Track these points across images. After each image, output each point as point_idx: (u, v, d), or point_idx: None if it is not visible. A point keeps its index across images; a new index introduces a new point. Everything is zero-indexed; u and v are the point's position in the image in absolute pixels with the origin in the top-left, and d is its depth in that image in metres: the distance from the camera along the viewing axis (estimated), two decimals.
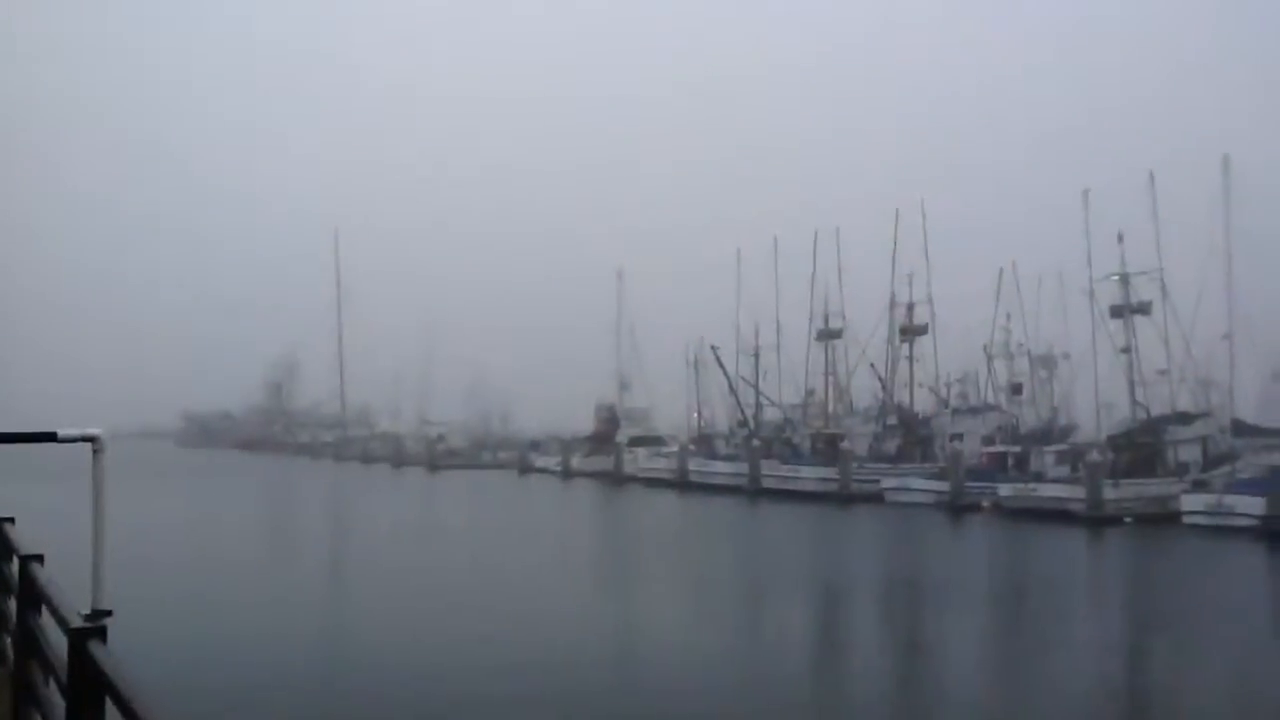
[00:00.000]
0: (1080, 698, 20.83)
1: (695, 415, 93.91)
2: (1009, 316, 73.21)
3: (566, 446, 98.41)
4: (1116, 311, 63.65)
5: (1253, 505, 50.49)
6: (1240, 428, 65.20)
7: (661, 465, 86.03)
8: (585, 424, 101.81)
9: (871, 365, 78.95)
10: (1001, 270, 74.24)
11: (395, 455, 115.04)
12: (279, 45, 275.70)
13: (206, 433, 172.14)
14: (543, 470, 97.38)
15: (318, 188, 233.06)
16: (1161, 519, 53.59)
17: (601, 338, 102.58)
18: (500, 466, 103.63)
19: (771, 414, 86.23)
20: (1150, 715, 20.95)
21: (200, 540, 43.75)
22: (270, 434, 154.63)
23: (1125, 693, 22.36)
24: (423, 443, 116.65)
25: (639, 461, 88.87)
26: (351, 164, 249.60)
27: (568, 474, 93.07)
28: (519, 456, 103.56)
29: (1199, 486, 56.44)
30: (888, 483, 68.24)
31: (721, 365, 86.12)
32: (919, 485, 66.60)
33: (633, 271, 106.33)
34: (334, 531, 56.39)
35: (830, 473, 71.20)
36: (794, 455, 78.17)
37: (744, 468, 76.90)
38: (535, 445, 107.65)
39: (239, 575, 34.91)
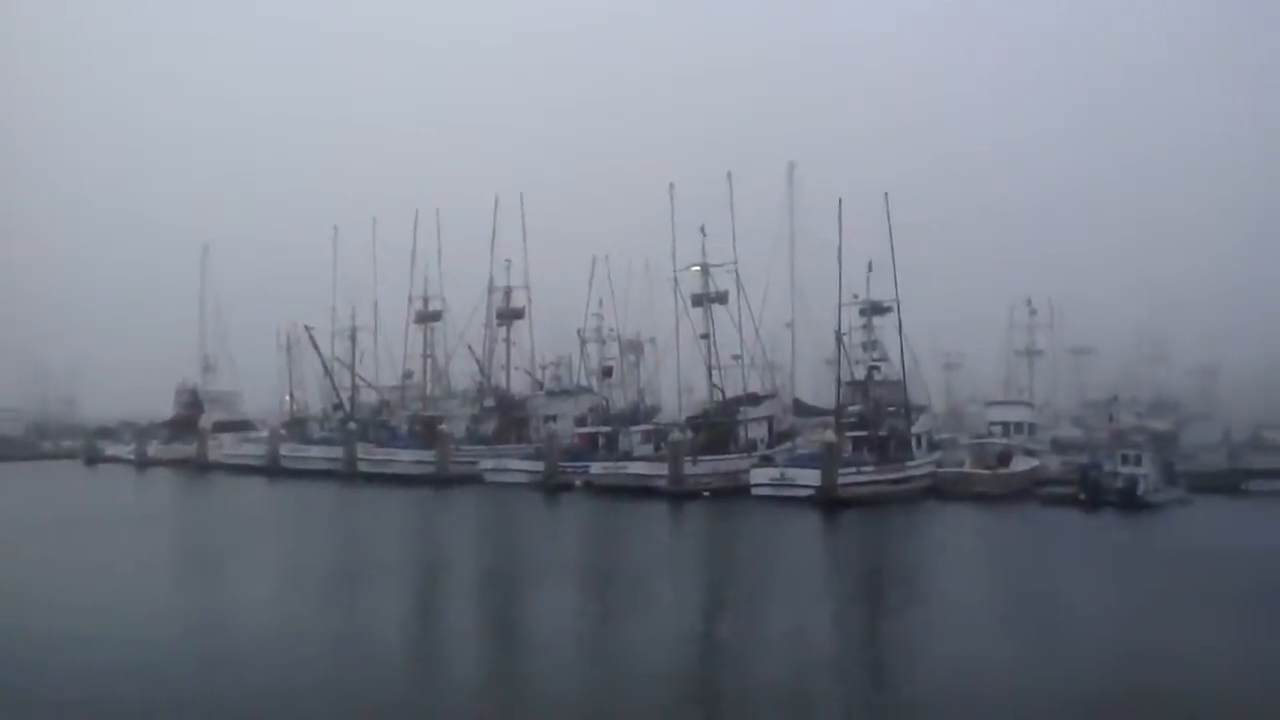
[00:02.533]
0: (661, 647, 22.49)
1: (288, 398, 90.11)
2: (601, 303, 76.47)
3: (142, 433, 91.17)
4: (697, 300, 68.28)
5: (809, 477, 56.40)
6: (800, 407, 72.36)
7: (250, 451, 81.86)
8: (166, 409, 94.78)
9: (470, 348, 79.70)
10: (595, 259, 77.48)
11: None
12: None
13: None
14: (114, 459, 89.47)
15: None
16: (735, 492, 58.44)
17: (185, 316, 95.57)
18: (65, 456, 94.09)
19: (369, 396, 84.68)
20: (723, 657, 22.72)
21: None
22: None
23: (702, 641, 24.21)
24: None
25: (225, 448, 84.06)
26: None
27: (144, 463, 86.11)
28: (85, 445, 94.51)
29: (765, 461, 62.14)
30: (486, 464, 69.32)
31: (316, 346, 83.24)
32: (516, 466, 68.20)
33: (221, 245, 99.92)
34: None
35: (428, 455, 71.15)
36: (391, 438, 77.34)
37: (339, 451, 75.03)
38: (106, 432, 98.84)
39: None
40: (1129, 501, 51.18)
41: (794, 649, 23.32)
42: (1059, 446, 74.76)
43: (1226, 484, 59.27)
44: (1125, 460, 54.15)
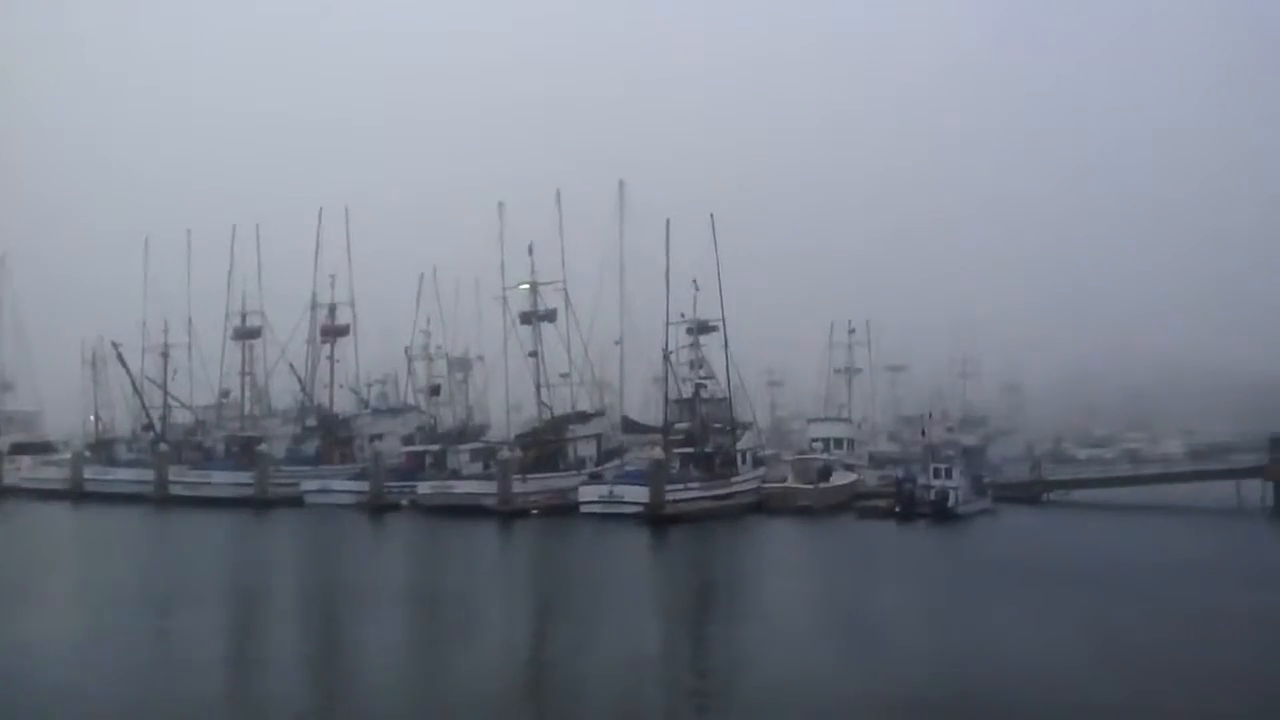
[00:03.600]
0: (486, 670, 22.22)
1: (93, 419, 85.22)
2: (429, 320, 75.32)
3: None
4: (526, 318, 68.03)
5: (637, 494, 56.88)
6: (628, 425, 72.85)
7: (51, 474, 77.02)
8: None
9: (291, 366, 77.05)
10: (423, 275, 76.27)
11: None
12: None
13: None
14: None
15: None
16: (564, 509, 58.40)
17: None
18: None
19: (182, 417, 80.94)
20: (549, 676, 22.57)
21: None
22: None
23: (528, 662, 23.99)
24: None
25: (23, 471, 78.88)
26: None
27: None
28: None
29: (594, 479, 62.36)
30: (308, 485, 67.14)
31: (124, 363, 78.91)
32: (340, 487, 66.33)
33: (19, 255, 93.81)
34: None
35: (246, 477, 68.48)
36: (206, 459, 74.10)
37: (149, 474, 71.44)
38: None
39: None
40: (941, 513, 53.55)
41: (622, 665, 23.35)
42: (876, 461, 77.46)
43: (1029, 494, 62.70)
44: (937, 474, 56.61)
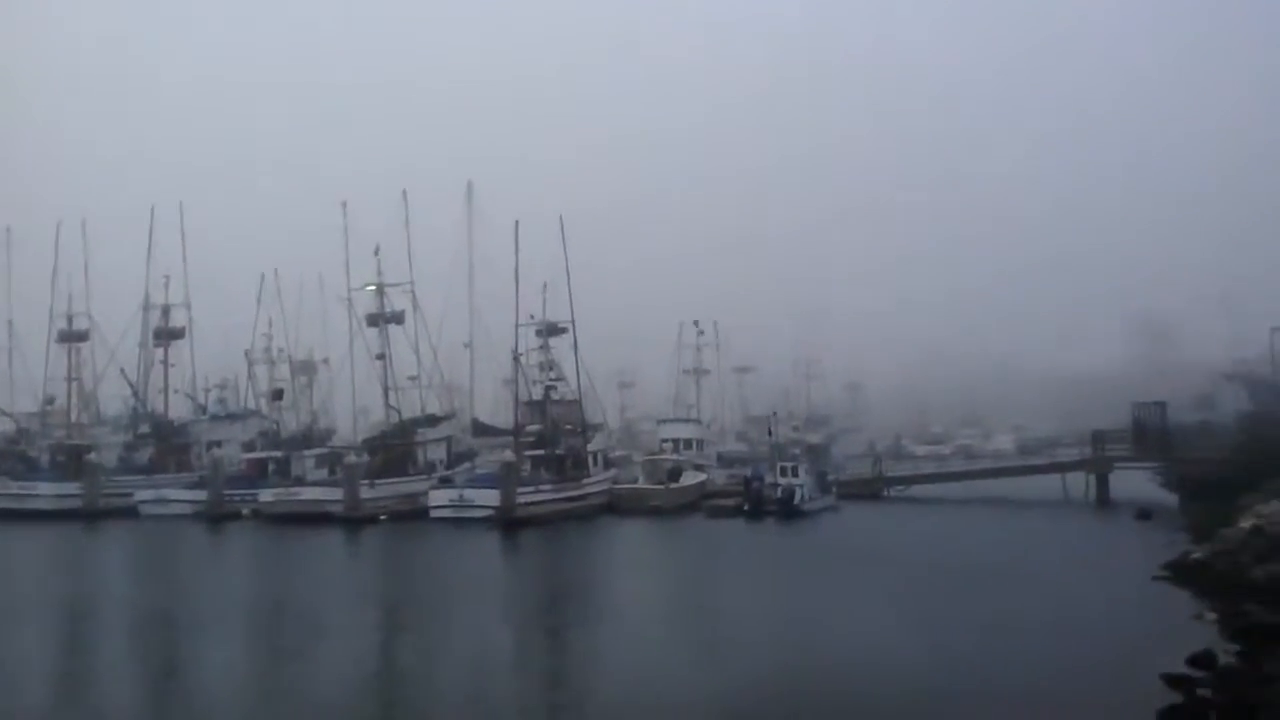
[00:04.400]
0: (328, 683, 21.68)
1: None
2: (271, 322, 73.11)
3: None
4: (373, 320, 66.73)
5: (488, 497, 56.43)
6: (479, 428, 72.33)
7: None
8: None
9: (122, 370, 73.70)
10: (264, 276, 74.00)
11: None
12: None
13: None
14: None
15: None
16: (413, 515, 57.49)
17: None
18: None
19: (3, 424, 76.52)
20: (393, 684, 22.17)
21: None
22: None
23: (373, 673, 23.48)
24: None
25: None
26: None
27: None
28: None
29: (444, 483, 61.58)
30: (142, 495, 64.25)
31: None
32: (176, 496, 63.67)
33: None
34: None
35: (74, 488, 65.16)
36: (29, 470, 70.20)
37: None
38: None
39: None
40: (787, 510, 54.79)
41: (470, 672, 23.13)
42: (725, 460, 78.79)
43: (870, 490, 64.71)
44: (784, 472, 57.94)
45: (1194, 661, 20.34)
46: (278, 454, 66.84)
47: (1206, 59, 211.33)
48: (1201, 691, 18.45)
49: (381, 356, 66.66)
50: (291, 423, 73.34)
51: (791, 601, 31.46)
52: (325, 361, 74.63)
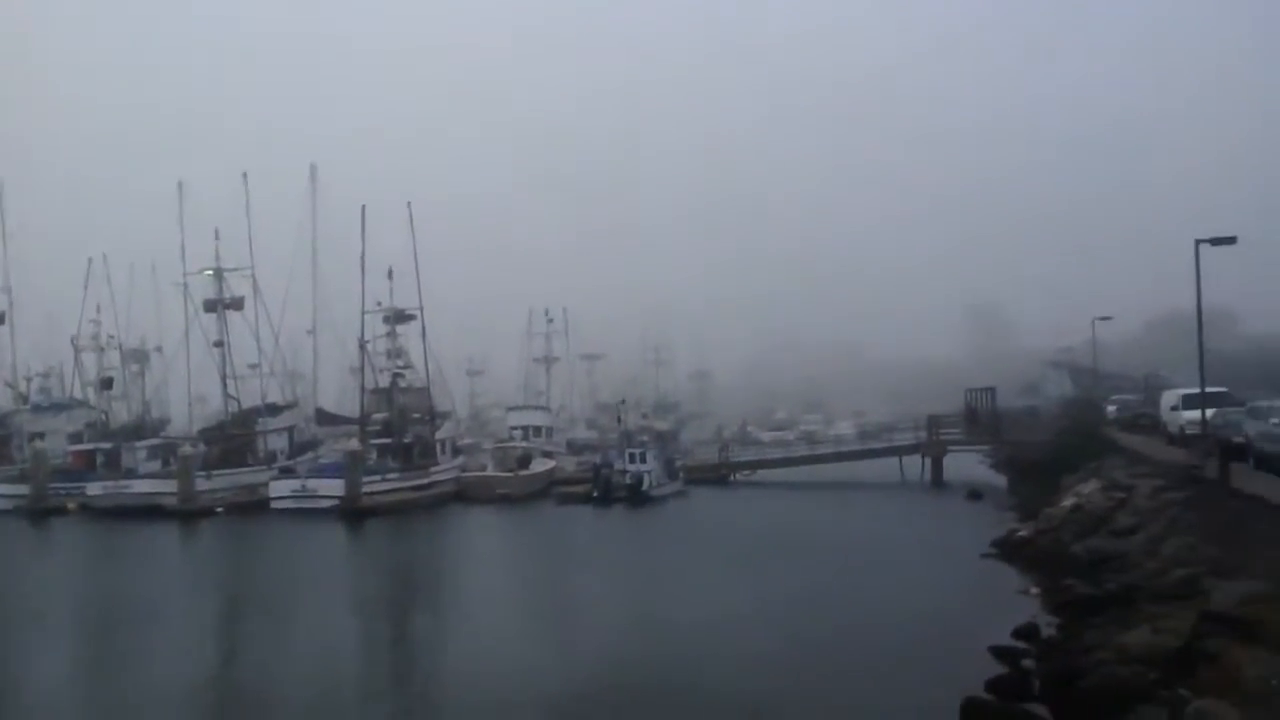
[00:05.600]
0: (157, 689, 20.93)
1: None
2: (99, 308, 69.57)
3: None
4: (210, 306, 64.29)
5: (333, 487, 55.15)
6: (323, 416, 70.50)
7: None
8: None
9: None
10: (91, 259, 70.35)
11: None
12: None
13: None
14: None
15: None
16: (253, 506, 55.70)
17: None
18: None
19: None
20: (226, 683, 21.50)
21: None
22: None
23: (206, 673, 22.70)
24: None
25: None
26: None
27: None
28: None
29: (285, 473, 59.85)
30: None
31: None
32: None
33: None
34: None
35: None
36: None
37: None
38: None
39: None
40: (636, 496, 55.25)
41: (308, 667, 22.57)
42: (574, 448, 78.86)
43: (717, 476, 65.76)
44: (632, 459, 58.36)
45: (1019, 634, 21.39)
46: (107, 445, 63.94)
47: (1040, 61, 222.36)
48: (1026, 662, 19.41)
49: (220, 343, 64.37)
50: (122, 413, 70.26)
51: (634, 587, 31.84)
52: (159, 349, 71.69)
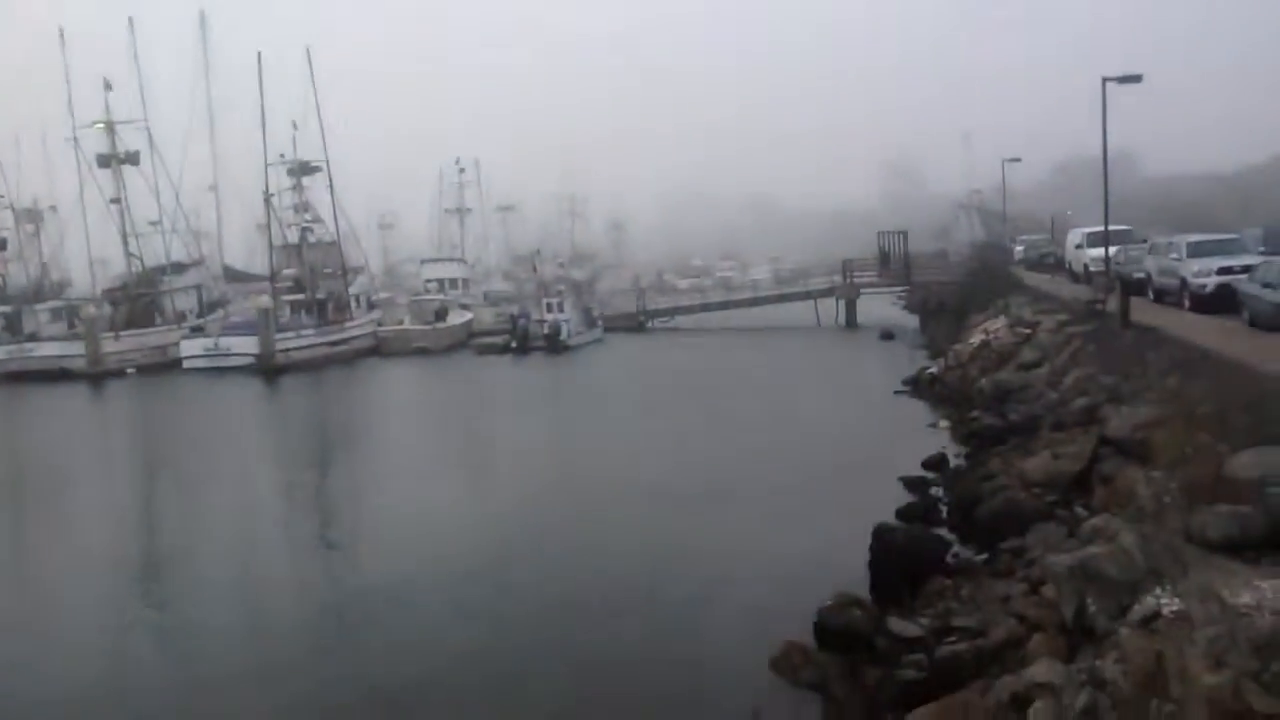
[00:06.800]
0: (82, 547, 20.95)
1: None
2: None
3: None
4: (104, 161, 61.60)
5: (246, 345, 54.35)
6: (231, 274, 68.97)
7: None
8: None
9: None
10: None
11: None
12: None
13: None
14: None
15: None
16: (164, 367, 54.81)
17: None
18: None
19: None
20: (150, 547, 21.51)
21: None
22: None
23: (135, 539, 22.67)
24: None
25: None
26: None
27: None
28: None
29: (196, 332, 58.75)
30: None
31: None
32: None
33: None
34: None
35: None
36: None
37: None
38: None
39: None
40: (554, 346, 55.45)
41: (233, 523, 22.64)
42: (491, 299, 78.50)
43: (634, 324, 66.15)
44: (550, 309, 58.37)
45: (928, 465, 22.20)
46: (6, 309, 61.81)
47: None
48: (934, 491, 20.19)
49: (117, 200, 62.07)
50: (20, 276, 67.73)
51: (554, 434, 32.25)
52: (53, 208, 68.87)
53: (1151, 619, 8.93)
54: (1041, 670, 9.58)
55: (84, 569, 19.05)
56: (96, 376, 53.21)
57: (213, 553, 19.84)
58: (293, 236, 62.15)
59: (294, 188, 61.58)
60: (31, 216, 69.31)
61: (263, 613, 16.12)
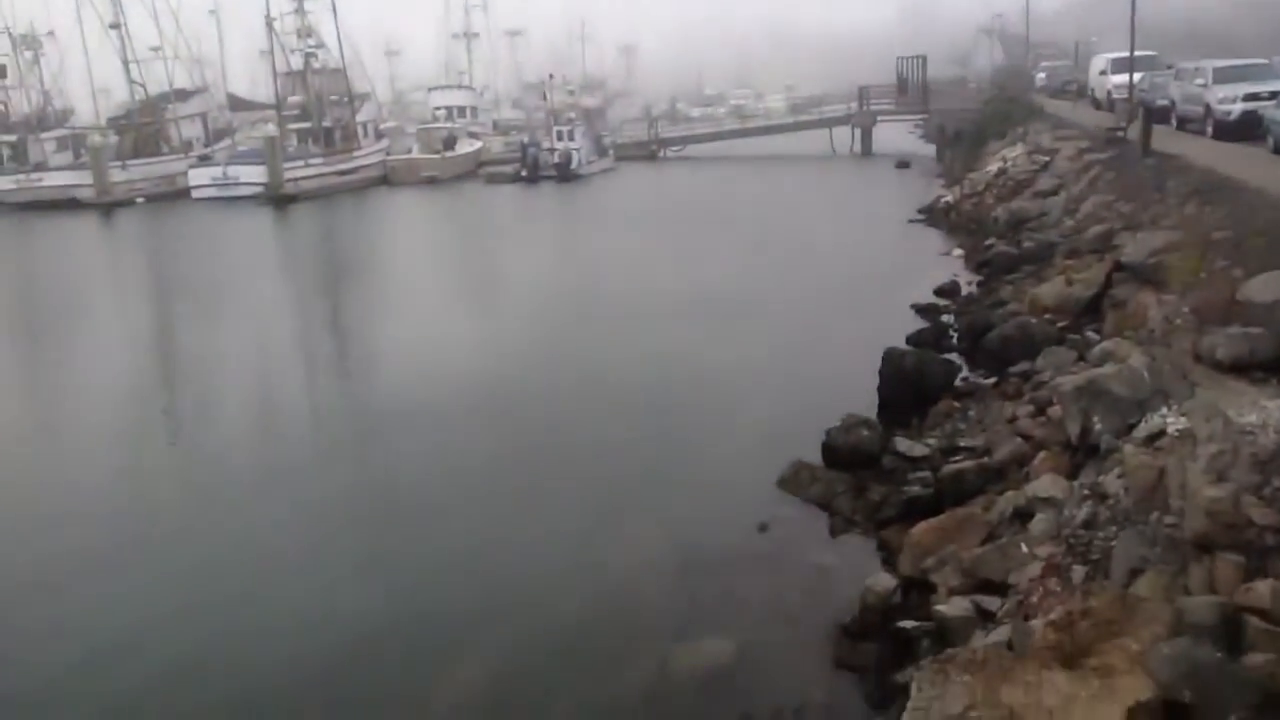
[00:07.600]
0: (106, 369, 21.24)
1: None
2: None
3: None
4: None
5: (254, 174, 53.87)
6: (236, 102, 67.70)
7: None
8: None
9: None
10: None
11: None
12: None
13: None
14: None
15: None
16: (173, 196, 54.48)
17: None
18: None
19: None
20: (173, 366, 21.92)
21: None
22: None
23: (155, 365, 23.05)
24: None
25: None
26: None
27: None
28: None
29: (204, 161, 58.15)
30: None
31: None
32: None
33: None
34: None
35: None
36: None
37: None
38: None
39: None
40: (565, 174, 54.87)
41: (249, 349, 22.93)
42: (501, 128, 77.26)
43: (646, 152, 65.26)
44: (560, 137, 57.46)
45: (940, 292, 22.20)
46: (10, 138, 61.04)
47: None
48: (945, 318, 20.25)
49: (116, 25, 60.55)
50: (22, 103, 66.60)
51: (562, 259, 32.27)
52: (51, 34, 67.08)
53: (1156, 437, 9.06)
54: (1044, 485, 9.80)
55: (100, 394, 19.41)
56: (106, 206, 52.96)
57: (228, 377, 20.18)
58: (296, 63, 60.80)
59: (296, 11, 59.93)
60: (29, 42, 67.62)
61: (274, 432, 16.45)
